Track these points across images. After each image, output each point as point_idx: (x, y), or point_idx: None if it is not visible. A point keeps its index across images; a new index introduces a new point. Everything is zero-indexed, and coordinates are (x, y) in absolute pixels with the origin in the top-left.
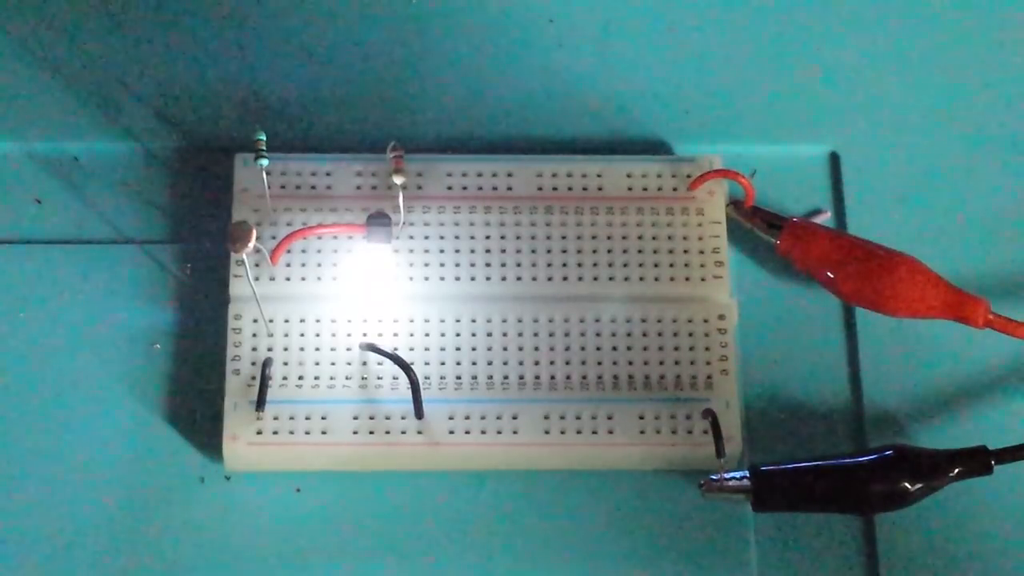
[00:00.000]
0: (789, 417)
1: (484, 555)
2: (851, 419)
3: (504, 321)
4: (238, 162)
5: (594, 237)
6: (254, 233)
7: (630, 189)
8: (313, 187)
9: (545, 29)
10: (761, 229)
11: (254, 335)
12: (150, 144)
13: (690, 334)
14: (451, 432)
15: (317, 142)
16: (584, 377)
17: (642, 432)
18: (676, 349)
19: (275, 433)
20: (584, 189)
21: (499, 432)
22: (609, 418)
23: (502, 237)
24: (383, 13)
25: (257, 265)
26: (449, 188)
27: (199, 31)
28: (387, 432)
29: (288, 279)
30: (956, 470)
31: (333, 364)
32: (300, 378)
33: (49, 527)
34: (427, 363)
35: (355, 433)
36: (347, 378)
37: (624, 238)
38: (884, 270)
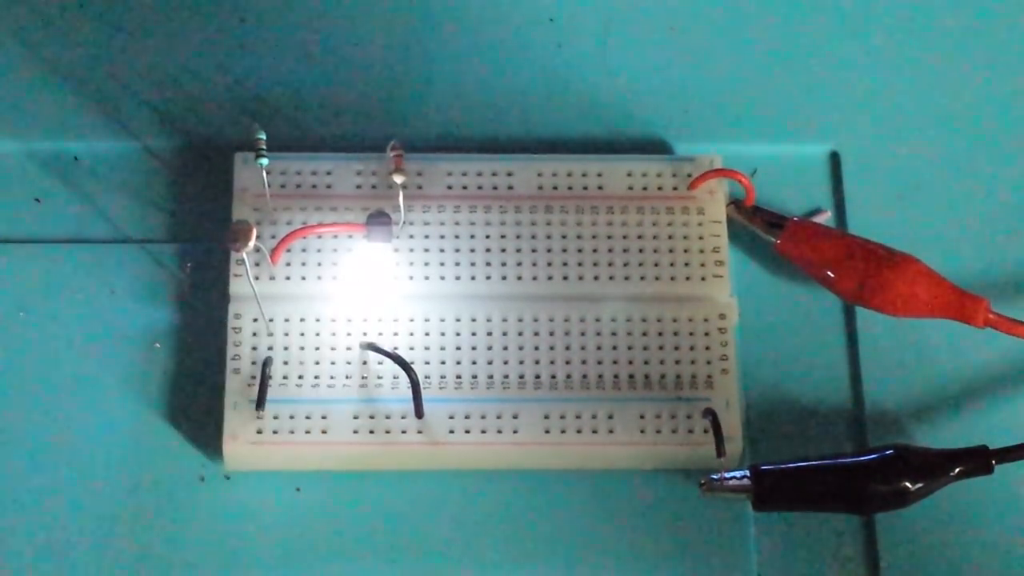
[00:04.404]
0: (789, 417)
1: (484, 555)
2: (851, 419)
3: (504, 321)
4: (238, 162)
5: (594, 237)
6: (254, 232)
7: (630, 189)
8: (313, 186)
9: (545, 29)
10: (761, 229)
11: (254, 334)
12: (150, 144)
13: (690, 334)
14: (451, 432)
15: (317, 142)
16: (584, 377)
17: (642, 432)
18: (676, 349)
19: (275, 432)
20: (584, 189)
21: (499, 432)
22: (609, 418)
23: (502, 237)
24: (383, 13)
25: (257, 264)
26: (449, 188)
27: (199, 31)
28: (387, 432)
29: (288, 278)
30: (956, 470)
31: (333, 363)
32: (300, 377)
33: (49, 527)
34: (427, 363)
35: (355, 433)
36: (347, 378)
37: (624, 238)
38: (884, 270)
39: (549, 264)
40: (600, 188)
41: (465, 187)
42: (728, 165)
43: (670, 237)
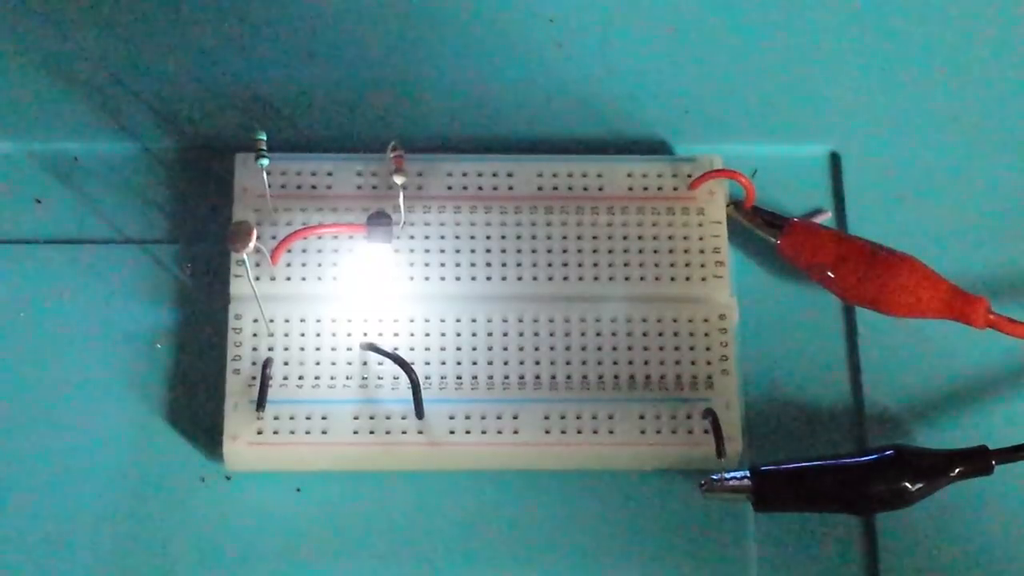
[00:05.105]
0: (789, 417)
1: (484, 555)
2: (851, 419)
3: (504, 321)
4: (238, 162)
5: (594, 237)
6: (254, 233)
7: (630, 189)
8: (313, 187)
9: (545, 29)
10: (761, 229)
11: (254, 335)
12: (150, 144)
13: (690, 334)
14: (451, 432)
15: (317, 142)
16: (584, 377)
17: (642, 432)
18: (676, 349)
19: (275, 433)
20: (584, 189)
21: (499, 432)
22: (609, 418)
23: (502, 237)
24: (383, 13)
25: (257, 265)
26: (449, 188)
27: (199, 31)
28: (387, 432)
29: (288, 279)
30: (956, 470)
31: (333, 364)
32: (300, 378)
33: (49, 527)
34: (427, 363)
35: (355, 433)
36: (347, 378)
37: (624, 238)
38: (884, 270)
39: (549, 264)
40: (600, 188)
41: (465, 187)
42: (728, 165)
43: (670, 237)
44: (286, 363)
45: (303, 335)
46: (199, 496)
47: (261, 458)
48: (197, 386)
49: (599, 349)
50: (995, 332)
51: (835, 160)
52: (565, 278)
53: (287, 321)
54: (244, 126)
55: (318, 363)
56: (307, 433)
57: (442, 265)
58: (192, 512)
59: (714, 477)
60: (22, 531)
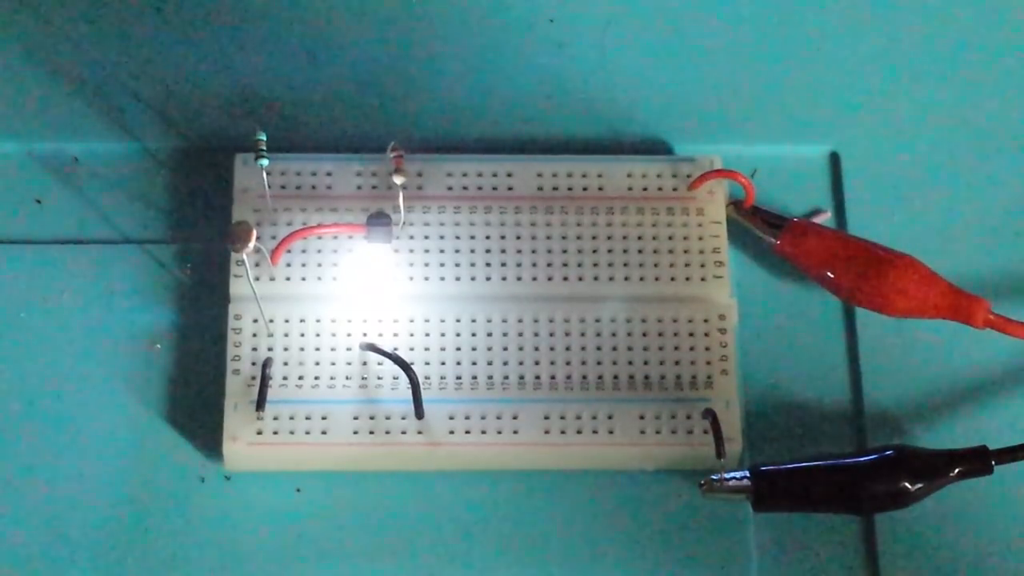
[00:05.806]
0: (789, 417)
1: (484, 555)
2: (851, 419)
3: (504, 321)
4: (238, 162)
5: (594, 237)
6: (254, 233)
7: (630, 189)
8: (313, 187)
9: (545, 29)
10: (761, 229)
11: (254, 335)
12: (150, 144)
13: (690, 334)
14: (451, 432)
15: (317, 142)
16: (584, 377)
17: (642, 432)
18: (676, 349)
19: (275, 433)
20: (584, 189)
21: (499, 432)
22: (609, 418)
23: (502, 237)
24: (382, 13)
25: (257, 265)
26: (449, 188)
27: (199, 31)
28: (387, 432)
29: (288, 279)
30: (956, 470)
31: (333, 364)
32: (300, 378)
33: (49, 527)
34: (427, 363)
35: (355, 433)
36: (347, 378)
37: (624, 238)
38: (884, 270)
39: (549, 264)
40: (600, 189)
41: (465, 187)
42: (728, 165)
43: (670, 238)
44: (286, 363)
45: (303, 335)
46: (199, 496)
47: (261, 458)
48: (197, 386)
49: (599, 349)
50: (995, 332)
51: (835, 160)
52: (565, 278)
53: (287, 321)
54: (244, 126)
55: (318, 363)
56: (307, 433)
57: (442, 265)
58: (192, 512)
59: (714, 477)
60: (22, 531)
